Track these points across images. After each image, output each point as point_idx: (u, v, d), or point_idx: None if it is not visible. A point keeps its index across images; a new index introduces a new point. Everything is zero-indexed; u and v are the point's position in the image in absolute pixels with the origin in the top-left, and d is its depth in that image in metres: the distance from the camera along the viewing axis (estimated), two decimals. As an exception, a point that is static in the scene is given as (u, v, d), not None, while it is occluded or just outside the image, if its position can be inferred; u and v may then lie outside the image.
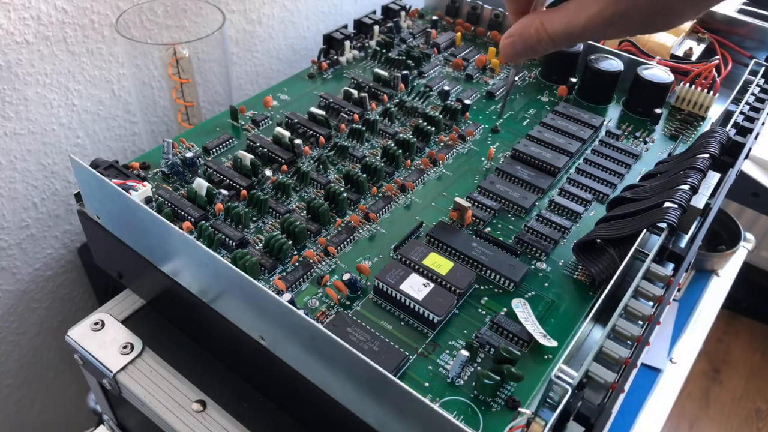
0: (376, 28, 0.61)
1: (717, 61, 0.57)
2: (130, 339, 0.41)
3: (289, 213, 0.42)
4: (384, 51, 0.58)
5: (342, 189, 0.42)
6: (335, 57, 0.58)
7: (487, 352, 0.35)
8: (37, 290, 0.62)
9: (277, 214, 0.41)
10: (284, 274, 0.38)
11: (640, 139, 0.52)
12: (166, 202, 0.41)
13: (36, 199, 0.57)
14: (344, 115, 0.51)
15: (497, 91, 0.56)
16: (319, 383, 0.32)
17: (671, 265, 0.37)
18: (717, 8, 0.63)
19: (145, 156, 0.46)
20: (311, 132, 0.48)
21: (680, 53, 0.60)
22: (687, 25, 0.62)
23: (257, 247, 0.39)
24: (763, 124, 0.48)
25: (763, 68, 0.54)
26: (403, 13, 0.64)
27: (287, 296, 0.35)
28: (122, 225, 0.39)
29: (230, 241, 0.39)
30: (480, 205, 0.44)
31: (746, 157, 0.46)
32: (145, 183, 0.41)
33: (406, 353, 0.33)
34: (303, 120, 0.49)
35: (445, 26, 0.65)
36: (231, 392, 0.39)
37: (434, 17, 0.64)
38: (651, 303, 0.34)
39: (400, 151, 0.46)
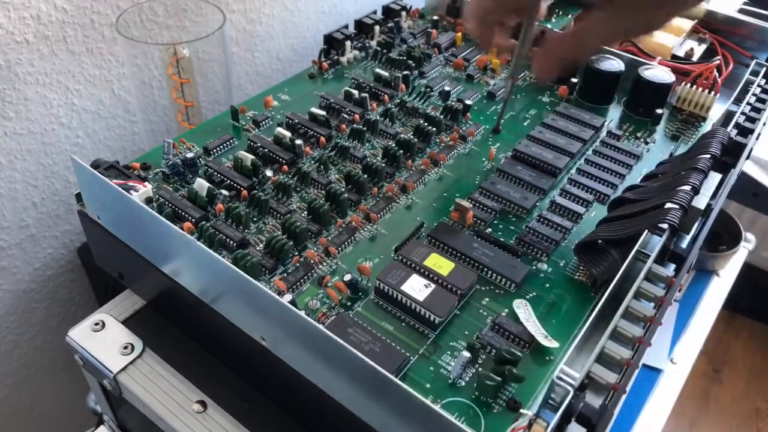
0: (377, 28, 0.61)
1: (718, 62, 0.57)
2: (131, 339, 0.41)
3: (290, 213, 0.41)
4: (385, 51, 0.58)
5: (343, 189, 0.42)
6: (336, 57, 0.58)
7: (488, 353, 0.35)
8: (37, 290, 0.61)
9: (278, 215, 0.41)
10: (285, 274, 0.38)
11: (641, 140, 0.52)
12: (166, 202, 0.41)
13: (36, 199, 0.57)
14: (345, 116, 0.50)
15: (498, 92, 0.56)
16: (319, 384, 0.32)
17: (672, 266, 0.36)
18: (718, 8, 0.63)
19: (146, 156, 0.45)
20: (312, 132, 0.48)
21: (681, 54, 0.60)
22: (688, 26, 0.62)
23: (258, 248, 0.39)
24: (764, 124, 0.48)
25: (764, 69, 0.54)
26: (403, 13, 0.64)
27: (288, 297, 0.35)
28: (123, 225, 0.39)
29: (231, 242, 0.39)
30: (481, 206, 0.44)
31: (747, 157, 0.46)
32: (146, 183, 0.41)
33: (408, 354, 0.33)
34: (304, 120, 0.49)
35: (445, 26, 0.65)
36: (232, 393, 0.39)
37: (435, 17, 0.64)
38: (652, 304, 0.34)
39: (401, 151, 0.46)
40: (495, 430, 0.31)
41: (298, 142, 0.46)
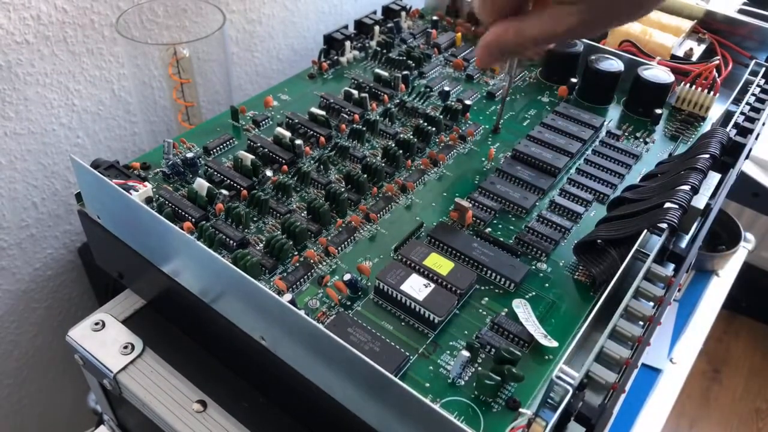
0: (377, 28, 0.61)
1: (717, 62, 0.57)
2: (131, 339, 0.41)
3: (290, 213, 0.42)
4: (384, 51, 0.58)
5: (342, 189, 0.42)
6: (336, 57, 0.58)
7: (487, 352, 0.35)
8: (37, 290, 0.61)
9: (278, 215, 0.41)
10: (285, 274, 0.38)
11: (641, 140, 0.52)
12: (166, 202, 0.41)
13: (36, 199, 0.57)
14: (345, 116, 0.50)
15: (497, 92, 0.56)
16: (319, 383, 0.32)
17: (672, 266, 0.37)
18: (717, 8, 0.63)
19: (146, 156, 0.46)
20: (312, 132, 0.48)
21: (680, 53, 0.60)
22: (687, 26, 0.62)
23: (258, 248, 0.39)
24: (763, 124, 0.48)
25: (764, 68, 0.54)
26: (403, 14, 0.64)
27: (288, 296, 0.35)
28: (123, 225, 0.39)
29: (231, 242, 0.39)
30: (480, 206, 0.44)
31: (747, 157, 0.46)
32: (146, 183, 0.41)
33: (407, 354, 0.33)
34: (303, 120, 0.49)
35: (445, 26, 0.65)
36: (231, 392, 0.39)
37: (434, 17, 0.64)
38: (651, 303, 0.34)
39: (401, 151, 0.46)
40: (494, 429, 0.31)
41: (298, 142, 0.46)
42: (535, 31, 0.33)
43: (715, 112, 0.54)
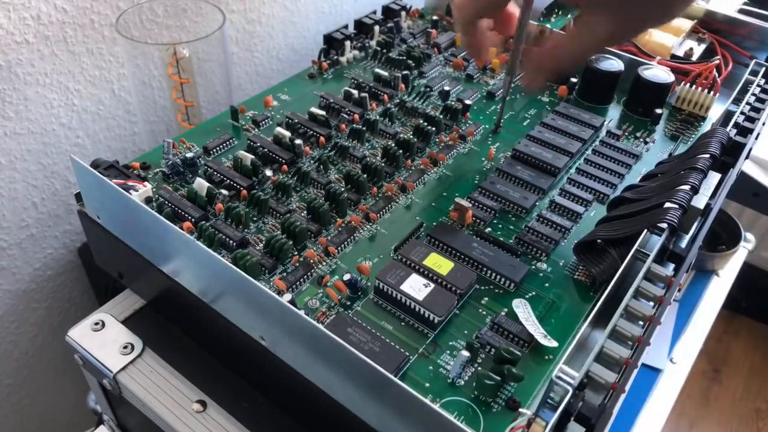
0: (377, 28, 0.61)
1: (717, 62, 0.57)
2: (131, 339, 0.41)
3: (290, 213, 0.41)
4: (384, 51, 0.58)
5: (342, 189, 0.42)
6: (335, 57, 0.58)
7: (487, 352, 0.35)
8: (37, 290, 0.61)
9: (278, 215, 0.41)
10: (285, 274, 0.38)
11: (641, 140, 0.52)
12: (166, 202, 0.41)
13: (36, 199, 0.57)
14: (344, 115, 0.50)
15: (497, 92, 0.56)
16: (319, 383, 0.32)
17: (672, 266, 0.37)
18: (717, 8, 0.63)
19: (146, 156, 0.45)
20: (311, 132, 0.48)
21: (681, 53, 0.60)
22: (687, 26, 0.62)
23: (258, 248, 0.39)
24: (763, 124, 0.48)
25: (764, 68, 0.54)
26: (403, 13, 0.64)
27: (288, 296, 0.35)
28: (122, 225, 0.39)
29: (231, 242, 0.39)
30: (480, 206, 0.44)
31: (747, 157, 0.46)
32: (146, 183, 0.41)
33: (407, 354, 0.33)
34: (303, 120, 0.49)
35: (445, 26, 0.65)
36: (231, 392, 0.39)
37: (435, 17, 0.64)
38: (651, 303, 0.34)
39: (401, 151, 0.46)
40: (494, 429, 0.31)
41: (298, 141, 0.46)
42: (571, 50, 0.36)
43: (715, 111, 0.54)
